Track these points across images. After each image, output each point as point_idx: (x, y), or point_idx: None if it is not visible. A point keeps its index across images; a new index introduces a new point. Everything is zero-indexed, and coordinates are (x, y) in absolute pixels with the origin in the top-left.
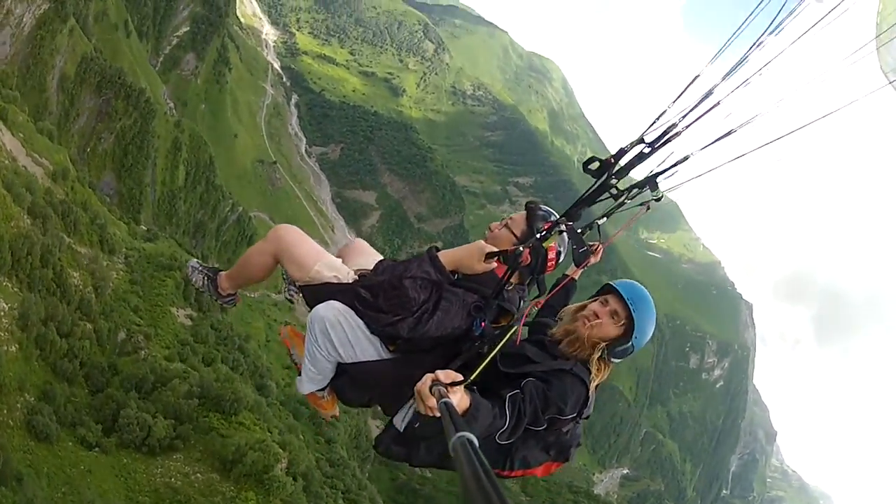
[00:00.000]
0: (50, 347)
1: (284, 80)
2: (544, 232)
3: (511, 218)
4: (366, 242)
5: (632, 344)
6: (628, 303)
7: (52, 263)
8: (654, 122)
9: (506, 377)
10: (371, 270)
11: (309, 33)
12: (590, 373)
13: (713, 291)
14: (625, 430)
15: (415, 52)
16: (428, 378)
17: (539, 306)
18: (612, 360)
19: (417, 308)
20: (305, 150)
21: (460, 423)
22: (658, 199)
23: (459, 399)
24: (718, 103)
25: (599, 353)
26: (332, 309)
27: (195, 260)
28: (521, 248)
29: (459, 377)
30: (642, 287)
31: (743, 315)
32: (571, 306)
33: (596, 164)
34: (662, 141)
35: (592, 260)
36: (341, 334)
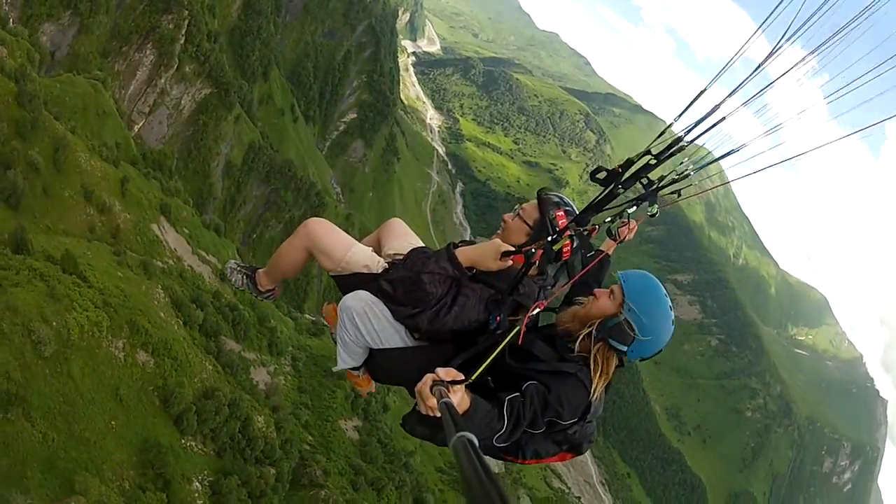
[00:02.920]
0: None
1: (450, 167)
2: (555, 236)
3: (523, 208)
4: (402, 222)
5: (624, 317)
6: (621, 278)
7: (238, 415)
8: (660, 136)
9: (508, 372)
10: (403, 258)
11: (472, 119)
12: (592, 366)
13: (853, 390)
14: None
15: (577, 143)
16: (428, 378)
17: (542, 308)
18: (611, 342)
19: (436, 302)
20: (469, 240)
21: (461, 423)
22: (652, 216)
23: (460, 399)
24: (724, 118)
25: (589, 330)
26: (359, 300)
27: (233, 261)
28: (533, 250)
29: (461, 376)
30: (647, 273)
31: (877, 413)
32: None
33: (603, 174)
34: (668, 154)
35: (628, 235)
36: (368, 324)
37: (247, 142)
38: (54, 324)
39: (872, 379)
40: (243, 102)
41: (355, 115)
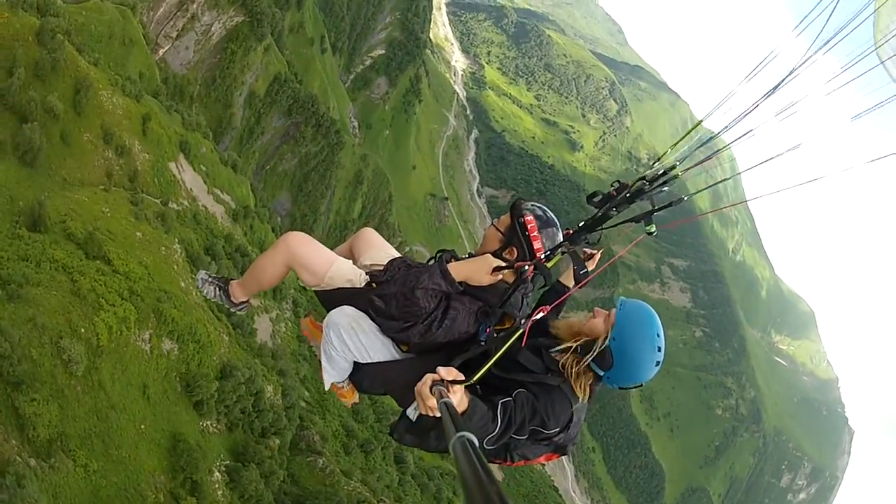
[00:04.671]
0: (258, 501)
1: (468, 112)
2: (549, 252)
3: (499, 218)
4: (375, 232)
5: (606, 344)
6: (618, 306)
7: (252, 390)
8: (656, 163)
9: (495, 381)
10: (382, 269)
11: (498, 68)
12: (572, 382)
13: (823, 412)
14: None
15: (598, 109)
16: (428, 378)
17: (546, 312)
18: (592, 365)
19: (427, 316)
20: (477, 190)
21: (460, 423)
22: (651, 234)
23: (459, 399)
24: (718, 151)
25: (572, 344)
26: (345, 315)
27: (203, 272)
28: (525, 267)
29: (461, 376)
30: (647, 306)
31: (843, 441)
32: None
33: (598, 198)
34: (661, 182)
35: (591, 265)
36: (355, 339)
37: (272, 73)
38: (82, 330)
39: (844, 405)
40: (274, 31)
41: (383, 52)
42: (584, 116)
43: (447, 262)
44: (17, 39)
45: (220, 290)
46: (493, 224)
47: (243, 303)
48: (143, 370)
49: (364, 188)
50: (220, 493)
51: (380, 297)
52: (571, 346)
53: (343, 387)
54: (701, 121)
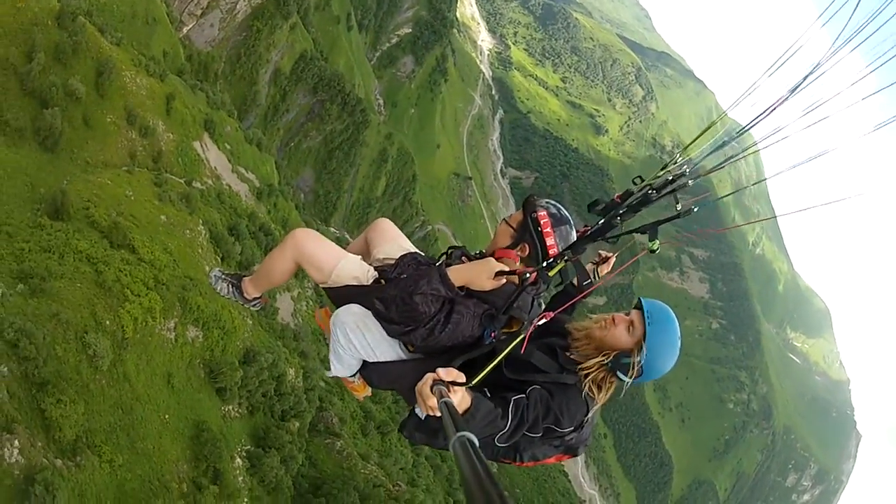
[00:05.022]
0: (277, 485)
1: (493, 92)
2: (551, 260)
3: (511, 214)
4: (390, 223)
5: (640, 361)
6: (645, 316)
7: (275, 374)
8: (664, 169)
9: (510, 381)
10: (393, 265)
11: (524, 49)
12: (590, 389)
13: (833, 414)
14: None
15: (624, 94)
16: (429, 377)
17: (549, 318)
18: (618, 374)
19: (429, 320)
20: (501, 170)
21: (460, 422)
22: (653, 251)
23: (460, 399)
24: (730, 158)
25: (603, 360)
26: (351, 314)
27: (217, 269)
28: (528, 274)
29: (462, 377)
30: (669, 310)
31: (850, 445)
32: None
33: (600, 206)
34: (668, 189)
35: (605, 269)
36: (361, 339)
37: (298, 51)
38: (107, 323)
39: (853, 408)
40: (300, 9)
41: (409, 30)
42: (609, 101)
43: (454, 262)
44: (37, 24)
45: (233, 287)
46: (504, 220)
47: (256, 299)
48: (168, 359)
49: (388, 166)
50: (240, 479)
51: (380, 301)
52: (604, 362)
53: (354, 381)
54: (714, 122)
